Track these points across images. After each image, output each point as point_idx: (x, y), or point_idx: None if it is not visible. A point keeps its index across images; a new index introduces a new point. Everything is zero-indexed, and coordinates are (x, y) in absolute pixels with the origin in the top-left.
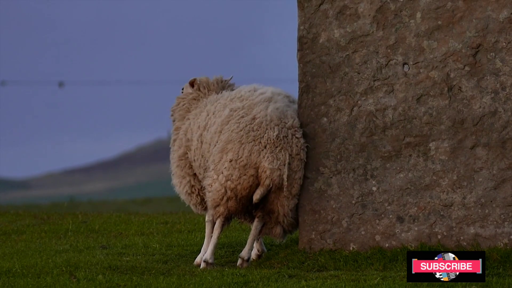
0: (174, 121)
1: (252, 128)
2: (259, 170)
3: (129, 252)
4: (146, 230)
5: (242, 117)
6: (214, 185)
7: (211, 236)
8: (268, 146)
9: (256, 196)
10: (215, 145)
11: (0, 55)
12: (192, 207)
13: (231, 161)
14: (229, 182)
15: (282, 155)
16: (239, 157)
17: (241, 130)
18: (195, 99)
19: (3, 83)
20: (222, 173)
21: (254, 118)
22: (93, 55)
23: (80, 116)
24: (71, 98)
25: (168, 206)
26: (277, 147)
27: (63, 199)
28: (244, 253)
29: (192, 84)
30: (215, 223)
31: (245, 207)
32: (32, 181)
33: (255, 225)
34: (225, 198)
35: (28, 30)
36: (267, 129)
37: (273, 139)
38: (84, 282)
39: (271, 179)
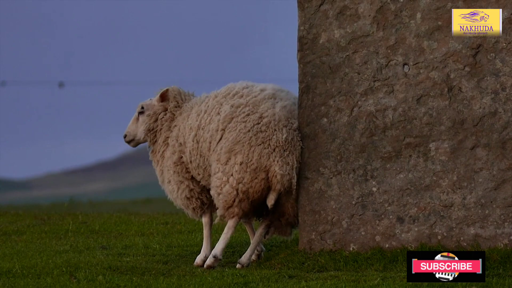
0: (155, 133)
1: (260, 128)
2: (269, 174)
3: (129, 252)
4: (146, 230)
5: (248, 115)
6: (225, 187)
7: (209, 237)
8: (277, 149)
9: (270, 202)
10: (218, 143)
11: (0, 55)
12: (190, 212)
13: (241, 163)
14: (240, 185)
15: (291, 159)
16: (249, 160)
17: (249, 131)
18: (176, 107)
19: (3, 83)
20: (232, 175)
21: (261, 117)
22: (93, 55)
23: (80, 116)
24: (71, 98)
25: (168, 207)
26: (285, 150)
27: (63, 199)
28: (244, 259)
29: (163, 96)
30: (211, 222)
31: (257, 207)
32: (32, 182)
33: (260, 232)
34: (237, 200)
35: (28, 30)
36: (275, 129)
37: (281, 142)
38: (84, 282)
39: (282, 183)
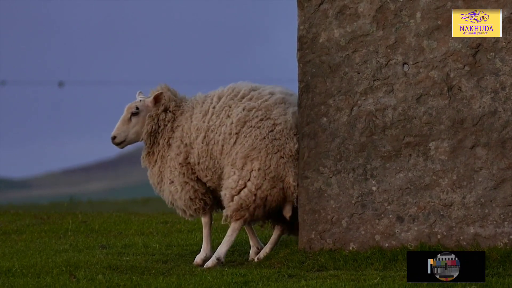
0: (156, 135)
1: (275, 136)
2: (284, 184)
3: (129, 252)
4: (146, 230)
5: (262, 120)
6: (243, 191)
7: (209, 237)
8: (290, 159)
9: (288, 213)
10: (233, 146)
11: (0, 55)
12: (190, 212)
13: (259, 169)
14: (259, 191)
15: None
16: (267, 167)
17: (264, 138)
18: (176, 106)
19: (3, 83)
20: (250, 180)
21: (274, 124)
22: (93, 55)
23: (80, 116)
24: (71, 98)
25: (167, 206)
26: (296, 159)
27: (63, 199)
28: (264, 251)
29: (158, 98)
30: (210, 222)
31: (267, 214)
32: (32, 181)
33: (278, 234)
34: (253, 205)
35: (29, 30)
36: (287, 138)
37: (293, 152)
38: (84, 281)
39: (296, 195)
